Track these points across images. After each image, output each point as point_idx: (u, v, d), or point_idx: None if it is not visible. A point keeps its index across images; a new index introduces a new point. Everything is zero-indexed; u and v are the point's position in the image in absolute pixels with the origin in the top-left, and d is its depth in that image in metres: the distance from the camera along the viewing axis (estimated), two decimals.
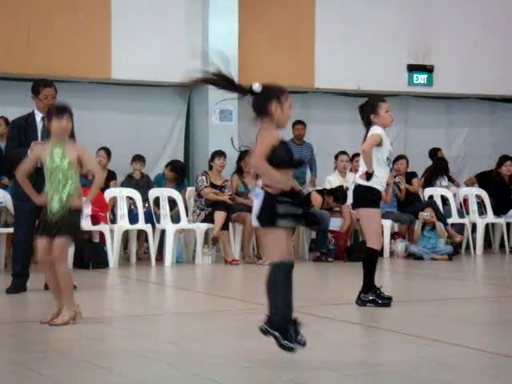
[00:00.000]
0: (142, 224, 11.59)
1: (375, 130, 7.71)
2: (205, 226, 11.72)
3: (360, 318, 7.49)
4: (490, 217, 13.38)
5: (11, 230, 9.89)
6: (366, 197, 7.74)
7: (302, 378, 4.94)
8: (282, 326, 5.00)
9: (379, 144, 7.66)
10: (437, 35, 14.87)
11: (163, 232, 11.70)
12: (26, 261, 8.87)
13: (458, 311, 7.84)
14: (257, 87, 5.11)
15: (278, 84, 5.29)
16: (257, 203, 5.09)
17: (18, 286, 8.69)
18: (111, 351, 5.87)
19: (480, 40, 15.04)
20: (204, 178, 11.97)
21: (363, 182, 7.70)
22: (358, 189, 7.82)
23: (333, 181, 12.78)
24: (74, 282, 8.99)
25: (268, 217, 5.03)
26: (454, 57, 14.92)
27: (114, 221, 11.59)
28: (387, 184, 10.62)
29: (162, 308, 8.48)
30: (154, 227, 11.66)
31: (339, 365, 5.32)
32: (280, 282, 5.04)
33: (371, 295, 7.70)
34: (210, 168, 12.22)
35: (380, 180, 7.72)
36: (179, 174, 12.62)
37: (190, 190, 12.38)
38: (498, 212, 13.39)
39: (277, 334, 4.99)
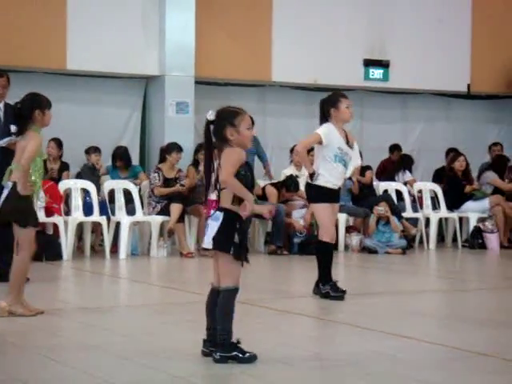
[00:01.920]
0: (96, 216, 11.52)
1: (320, 128, 7.81)
2: (160, 218, 11.67)
3: (315, 311, 7.53)
4: (444, 211, 13.52)
5: None
6: (313, 194, 7.88)
7: (255, 371, 4.94)
8: (234, 344, 5.06)
9: (320, 142, 7.73)
10: (393, 31, 14.97)
11: (118, 224, 11.66)
12: None
13: (411, 304, 7.92)
14: (209, 115, 5.13)
15: (232, 107, 5.27)
16: (214, 225, 5.04)
17: None
18: (64, 344, 5.83)
19: (435, 36, 15.17)
20: (156, 175, 11.85)
21: (309, 181, 7.81)
22: (307, 186, 8.06)
23: (288, 174, 12.81)
24: (28, 274, 8.89)
25: (224, 242, 5.02)
26: (410, 52, 15.03)
27: (68, 213, 11.51)
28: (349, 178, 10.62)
29: (115, 301, 8.44)
30: (108, 219, 11.61)
31: (293, 358, 5.34)
32: (233, 308, 5.10)
33: (327, 288, 7.76)
34: (163, 160, 12.11)
35: (327, 178, 7.73)
36: (126, 158, 12.56)
37: (145, 184, 12.32)
38: (451, 207, 13.54)
39: (235, 353, 5.03)
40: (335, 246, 8.29)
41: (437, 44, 15.19)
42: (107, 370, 4.95)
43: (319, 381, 4.94)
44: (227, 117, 5.13)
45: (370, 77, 14.94)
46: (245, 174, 5.06)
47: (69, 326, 6.66)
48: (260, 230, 12.59)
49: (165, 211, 11.59)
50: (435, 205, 13.65)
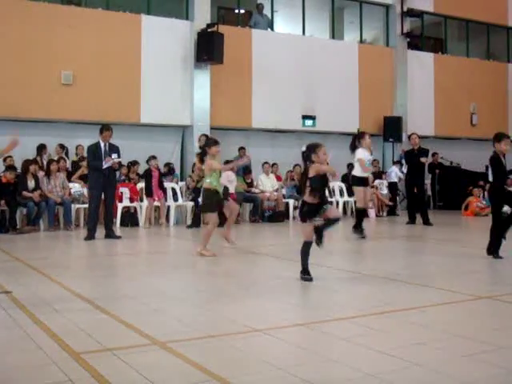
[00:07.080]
0: (157, 202, 11.50)
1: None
2: (192, 203, 11.69)
3: (272, 252, 7.12)
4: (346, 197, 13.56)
5: (86, 205, 10.01)
6: None
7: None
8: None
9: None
10: (317, 99, 14.95)
11: (169, 207, 11.64)
12: (96, 221, 8.94)
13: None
14: (302, 148, 5.07)
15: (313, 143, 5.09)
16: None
17: (91, 236, 8.77)
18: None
19: (339, 104, 15.21)
20: (189, 179, 11.95)
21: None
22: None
23: (263, 179, 12.94)
24: (120, 233, 8.91)
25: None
26: (326, 111, 14.97)
27: (141, 200, 11.53)
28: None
29: (167, 247, 8.16)
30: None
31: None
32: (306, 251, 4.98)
33: None
34: (193, 171, 12.12)
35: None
36: (171, 169, 12.56)
37: (181, 183, 12.30)
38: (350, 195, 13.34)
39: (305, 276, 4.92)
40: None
41: (339, 107, 15.06)
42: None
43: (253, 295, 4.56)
44: (311, 148, 5.07)
45: (306, 124, 14.97)
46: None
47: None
48: (247, 208, 12.62)
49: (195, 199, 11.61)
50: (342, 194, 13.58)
